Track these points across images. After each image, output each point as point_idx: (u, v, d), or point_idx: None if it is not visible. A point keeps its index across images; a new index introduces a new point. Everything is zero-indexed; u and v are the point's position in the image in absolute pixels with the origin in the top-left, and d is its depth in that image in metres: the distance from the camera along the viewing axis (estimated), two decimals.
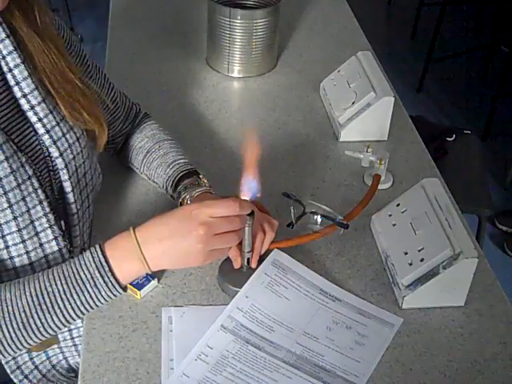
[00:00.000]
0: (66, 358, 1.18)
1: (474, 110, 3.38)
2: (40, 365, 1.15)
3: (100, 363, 0.97)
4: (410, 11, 4.04)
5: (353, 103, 1.42)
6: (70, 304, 0.91)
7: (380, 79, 1.44)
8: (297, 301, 1.06)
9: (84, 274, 0.91)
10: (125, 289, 0.95)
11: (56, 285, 0.91)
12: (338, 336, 1.01)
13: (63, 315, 0.91)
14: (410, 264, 1.06)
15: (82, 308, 0.92)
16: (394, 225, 1.14)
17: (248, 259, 1.06)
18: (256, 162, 0.99)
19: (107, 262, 0.92)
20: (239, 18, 1.55)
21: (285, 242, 1.12)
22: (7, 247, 0.97)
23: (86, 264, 0.92)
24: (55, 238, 1.01)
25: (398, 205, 1.16)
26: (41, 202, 0.98)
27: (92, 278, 0.91)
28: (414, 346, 1.01)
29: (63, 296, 0.91)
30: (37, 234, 0.99)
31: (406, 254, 1.08)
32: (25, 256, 0.99)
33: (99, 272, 0.91)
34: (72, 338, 1.15)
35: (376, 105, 1.39)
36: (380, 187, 1.27)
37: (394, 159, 1.36)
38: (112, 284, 0.92)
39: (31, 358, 1.13)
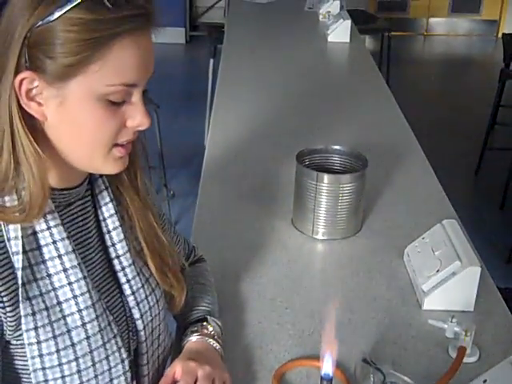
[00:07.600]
0: None
1: None
2: None
3: None
4: (499, 182, 4.04)
5: (437, 271, 1.40)
6: None
7: (466, 248, 1.41)
8: None
9: None
10: None
11: None
12: None
13: None
14: None
15: None
16: None
17: None
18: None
19: None
20: (326, 181, 1.59)
21: None
22: None
23: None
24: None
25: (485, 381, 1.09)
26: (122, 361, 0.98)
27: None
28: None
29: None
30: None
31: None
32: None
33: None
34: None
35: (461, 274, 1.36)
36: (465, 360, 1.20)
37: (481, 332, 1.31)
38: None
39: None
